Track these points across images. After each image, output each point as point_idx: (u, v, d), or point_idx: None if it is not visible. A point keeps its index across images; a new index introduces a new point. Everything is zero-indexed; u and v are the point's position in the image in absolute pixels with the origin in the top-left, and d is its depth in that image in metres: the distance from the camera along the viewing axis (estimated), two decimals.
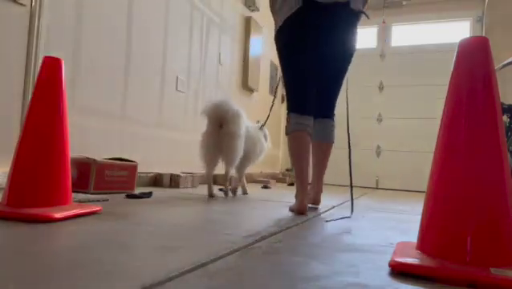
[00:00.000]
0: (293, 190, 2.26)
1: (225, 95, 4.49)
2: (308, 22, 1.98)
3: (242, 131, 2.48)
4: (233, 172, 3.30)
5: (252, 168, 3.32)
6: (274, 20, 2.16)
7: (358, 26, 2.12)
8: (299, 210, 1.94)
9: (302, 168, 2.01)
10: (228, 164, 2.48)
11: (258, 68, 5.27)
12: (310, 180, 2.18)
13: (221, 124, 2.38)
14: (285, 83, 2.16)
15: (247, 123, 2.64)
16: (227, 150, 2.41)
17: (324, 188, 2.43)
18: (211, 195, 2.51)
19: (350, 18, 2.04)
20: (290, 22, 1.99)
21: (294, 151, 2.05)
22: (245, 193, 2.94)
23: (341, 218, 1.83)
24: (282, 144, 6.17)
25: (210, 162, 2.46)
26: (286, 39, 2.07)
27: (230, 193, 2.71)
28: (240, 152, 2.49)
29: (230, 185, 2.74)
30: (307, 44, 2.02)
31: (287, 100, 2.15)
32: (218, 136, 2.38)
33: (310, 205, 2.20)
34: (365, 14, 2.08)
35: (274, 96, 2.80)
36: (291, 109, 2.08)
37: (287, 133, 2.07)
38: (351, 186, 2.12)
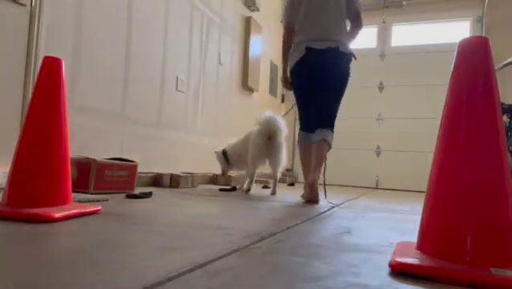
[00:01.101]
0: (292, 190, 2.76)
1: (226, 95, 4.49)
2: (311, 63, 2.68)
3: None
4: (232, 172, 3.49)
5: None
6: (287, 62, 2.87)
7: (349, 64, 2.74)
8: (308, 198, 2.57)
9: (307, 168, 2.76)
10: (275, 169, 3.04)
11: (258, 68, 5.27)
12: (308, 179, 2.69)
13: (269, 137, 2.90)
14: (298, 107, 2.91)
15: None
16: (275, 158, 2.97)
17: (325, 188, 2.86)
18: (248, 190, 3.09)
19: (341, 56, 2.68)
20: (299, 64, 2.71)
21: (303, 157, 2.85)
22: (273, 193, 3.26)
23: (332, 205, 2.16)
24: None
25: (257, 166, 3.07)
26: (297, 77, 2.79)
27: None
28: (285, 160, 3.05)
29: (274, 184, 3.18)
30: (312, 79, 2.68)
31: (299, 120, 2.93)
32: (267, 146, 2.92)
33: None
34: (353, 54, 2.72)
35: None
36: (302, 128, 2.90)
37: (299, 142, 2.92)
38: (324, 184, 2.74)
